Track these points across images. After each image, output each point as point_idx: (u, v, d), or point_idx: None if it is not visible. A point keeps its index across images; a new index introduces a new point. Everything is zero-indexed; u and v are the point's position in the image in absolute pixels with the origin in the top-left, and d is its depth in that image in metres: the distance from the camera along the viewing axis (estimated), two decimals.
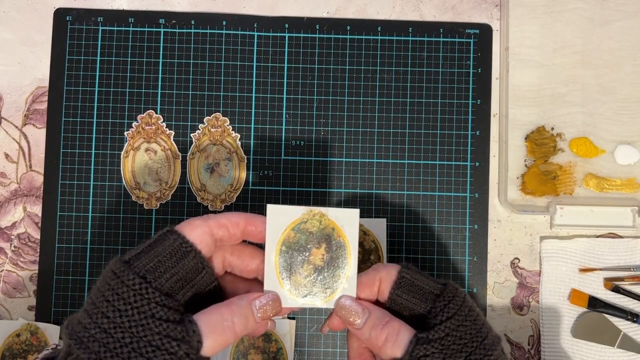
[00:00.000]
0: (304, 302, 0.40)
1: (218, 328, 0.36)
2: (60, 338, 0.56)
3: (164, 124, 0.58)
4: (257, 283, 0.42)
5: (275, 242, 0.40)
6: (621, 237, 0.58)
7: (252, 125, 0.58)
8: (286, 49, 0.59)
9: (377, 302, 0.41)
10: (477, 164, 0.58)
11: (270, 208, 0.40)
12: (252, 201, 0.58)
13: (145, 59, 0.59)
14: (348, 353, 0.43)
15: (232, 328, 0.36)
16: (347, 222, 0.40)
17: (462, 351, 0.37)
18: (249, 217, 0.40)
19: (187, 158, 0.58)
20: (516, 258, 0.58)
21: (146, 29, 0.59)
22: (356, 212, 0.40)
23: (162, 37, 0.59)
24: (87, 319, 0.35)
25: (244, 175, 0.58)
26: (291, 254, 0.40)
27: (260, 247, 0.41)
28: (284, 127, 0.58)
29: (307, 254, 0.40)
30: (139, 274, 0.35)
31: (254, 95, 0.59)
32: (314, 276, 0.40)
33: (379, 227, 0.57)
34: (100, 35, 0.59)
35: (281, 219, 0.40)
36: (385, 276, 0.40)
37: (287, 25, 0.59)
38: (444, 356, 0.37)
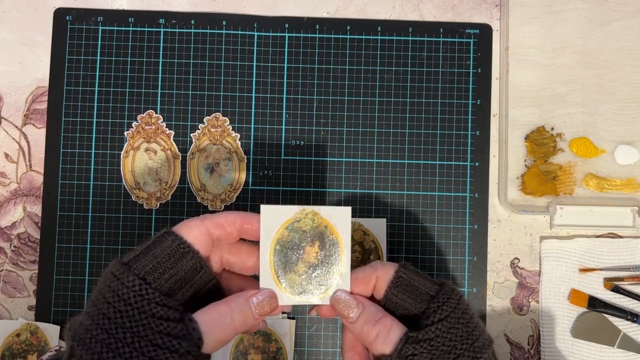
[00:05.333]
0: (299, 300, 0.40)
1: (218, 325, 0.36)
2: (60, 338, 0.56)
3: (164, 124, 0.58)
4: (252, 280, 0.43)
5: (269, 242, 0.40)
6: (621, 237, 0.58)
7: (252, 125, 0.58)
8: (286, 49, 0.59)
9: (373, 300, 0.41)
10: (477, 164, 0.58)
11: (264, 208, 0.40)
12: (252, 201, 0.58)
13: (145, 59, 0.59)
14: (342, 344, 0.43)
15: (232, 324, 0.37)
16: (339, 219, 0.41)
17: (451, 353, 0.37)
18: (245, 215, 0.40)
19: (187, 158, 0.58)
20: (516, 258, 0.58)
21: (146, 29, 0.59)
22: (348, 209, 0.41)
23: (162, 37, 0.59)
24: (89, 320, 0.35)
25: (243, 175, 0.58)
26: (285, 253, 0.40)
27: (258, 244, 0.41)
28: (284, 127, 0.58)
29: (301, 252, 0.40)
30: (138, 275, 0.36)
31: (254, 95, 0.59)
32: (309, 273, 0.40)
33: (379, 227, 0.57)
34: (100, 35, 0.59)
35: (274, 219, 0.40)
36: (383, 275, 0.40)
37: (287, 25, 0.59)
38: (432, 356, 0.37)
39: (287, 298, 0.40)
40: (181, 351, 0.34)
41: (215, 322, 0.36)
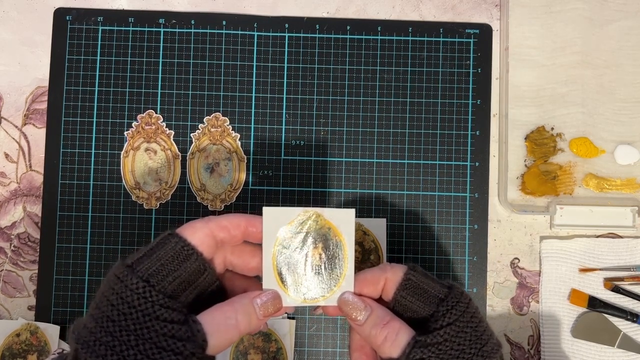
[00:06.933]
0: (303, 301, 0.40)
1: (222, 326, 0.36)
2: (60, 338, 0.56)
3: (164, 124, 0.58)
4: (255, 281, 0.43)
5: (272, 244, 0.40)
6: (621, 237, 0.58)
7: (252, 125, 0.58)
8: (286, 49, 0.59)
9: (381, 302, 0.41)
10: (477, 164, 0.58)
11: (266, 210, 0.40)
12: (252, 201, 0.58)
13: (145, 59, 0.59)
14: (350, 344, 0.43)
15: (236, 326, 0.37)
16: (342, 221, 0.41)
17: (459, 357, 0.37)
18: (249, 218, 0.40)
19: (187, 158, 0.58)
20: (516, 258, 0.58)
21: (146, 29, 0.59)
22: (351, 212, 0.41)
23: (162, 37, 0.59)
24: (93, 323, 0.35)
25: (243, 175, 0.58)
26: (289, 255, 0.40)
27: (261, 245, 0.41)
28: (284, 127, 0.58)
29: (305, 253, 0.40)
30: (142, 277, 0.36)
31: (254, 95, 0.59)
32: (312, 275, 0.40)
33: (379, 227, 0.57)
34: (100, 35, 0.59)
35: (277, 221, 0.40)
36: (391, 277, 0.40)
37: (287, 25, 0.59)
38: None
39: (291, 299, 0.40)
40: (186, 353, 0.34)
41: (220, 323, 0.36)
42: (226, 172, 0.58)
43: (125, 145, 0.58)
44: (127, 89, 0.58)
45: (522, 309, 0.58)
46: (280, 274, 0.40)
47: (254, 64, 0.59)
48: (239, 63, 0.59)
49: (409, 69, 0.59)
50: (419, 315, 0.40)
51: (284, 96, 0.59)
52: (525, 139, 0.58)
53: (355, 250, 0.56)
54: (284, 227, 0.40)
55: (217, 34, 0.59)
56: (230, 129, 0.58)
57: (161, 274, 0.36)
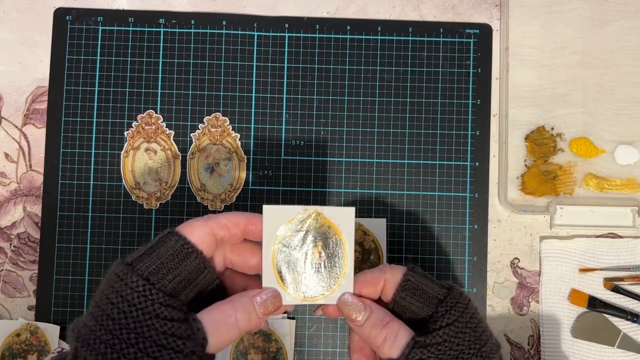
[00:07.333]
0: (302, 299, 0.40)
1: (222, 325, 0.36)
2: (60, 338, 0.56)
3: (164, 124, 0.58)
4: (255, 279, 0.43)
5: (272, 242, 0.40)
6: (621, 237, 0.58)
7: (252, 125, 0.58)
8: (286, 49, 0.59)
9: (380, 302, 0.41)
10: (477, 164, 0.58)
11: (266, 208, 0.40)
12: (252, 201, 0.58)
13: (145, 59, 0.59)
14: (349, 345, 0.43)
15: (236, 324, 0.37)
16: (342, 220, 0.41)
17: (459, 357, 0.37)
18: (249, 216, 0.40)
19: (187, 158, 0.58)
20: (516, 258, 0.58)
21: (146, 29, 0.59)
22: (351, 210, 0.41)
23: (162, 37, 0.59)
24: (93, 321, 0.35)
25: (243, 175, 0.58)
26: (288, 253, 0.40)
27: (261, 244, 0.41)
28: (284, 127, 0.59)
29: (304, 252, 0.40)
30: (142, 276, 0.36)
31: (254, 95, 0.59)
32: (312, 273, 0.40)
33: (379, 227, 0.57)
34: (100, 35, 0.59)
35: (277, 219, 0.40)
36: (391, 277, 0.40)
37: (287, 25, 0.59)
38: None
39: (290, 297, 0.40)
40: (186, 351, 0.34)
41: (220, 321, 0.36)
42: (226, 172, 0.58)
43: (125, 145, 0.58)
44: (127, 89, 0.59)
45: (522, 309, 0.58)
46: (280, 272, 0.40)
47: (254, 64, 0.59)
48: (239, 63, 0.59)
49: (409, 69, 0.59)
50: (418, 316, 0.40)
51: (284, 96, 0.59)
52: (525, 139, 0.58)
53: (355, 250, 0.56)
54: (283, 225, 0.40)
55: (217, 34, 0.59)
56: (230, 129, 0.58)
57: (161, 272, 0.36)
